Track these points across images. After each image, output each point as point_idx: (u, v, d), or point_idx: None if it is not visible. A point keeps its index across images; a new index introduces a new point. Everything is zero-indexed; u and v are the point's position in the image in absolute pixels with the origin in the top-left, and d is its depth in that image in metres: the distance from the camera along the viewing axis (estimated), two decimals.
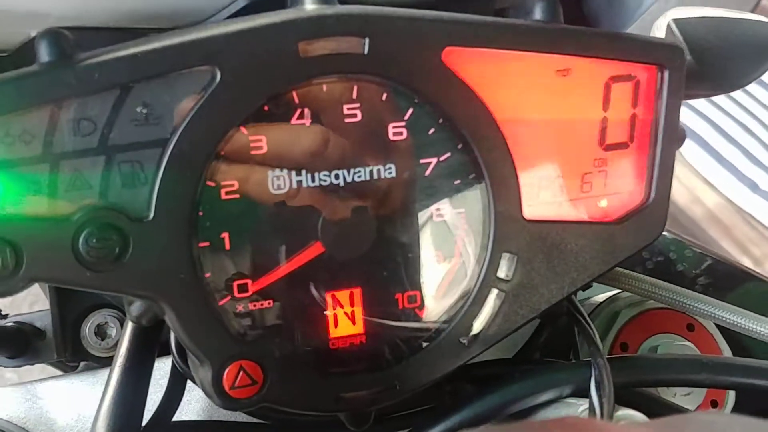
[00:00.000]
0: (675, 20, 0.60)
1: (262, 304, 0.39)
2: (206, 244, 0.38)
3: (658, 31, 0.62)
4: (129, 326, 0.44)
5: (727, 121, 2.36)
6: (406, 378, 0.41)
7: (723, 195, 2.32)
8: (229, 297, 0.39)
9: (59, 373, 0.63)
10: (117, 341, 0.50)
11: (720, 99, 2.41)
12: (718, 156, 2.31)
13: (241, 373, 0.38)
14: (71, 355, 0.51)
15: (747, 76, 0.60)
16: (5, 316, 0.54)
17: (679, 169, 2.39)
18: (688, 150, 2.31)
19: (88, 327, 0.50)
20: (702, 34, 0.58)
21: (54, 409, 0.49)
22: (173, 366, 0.46)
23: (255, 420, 0.48)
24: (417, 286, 0.42)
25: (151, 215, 0.36)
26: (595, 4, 0.57)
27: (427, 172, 0.41)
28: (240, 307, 0.39)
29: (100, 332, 0.50)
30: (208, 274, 0.38)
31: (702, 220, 2.31)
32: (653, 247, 0.95)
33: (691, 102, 2.40)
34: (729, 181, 2.29)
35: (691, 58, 0.56)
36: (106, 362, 0.51)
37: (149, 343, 0.44)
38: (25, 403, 0.50)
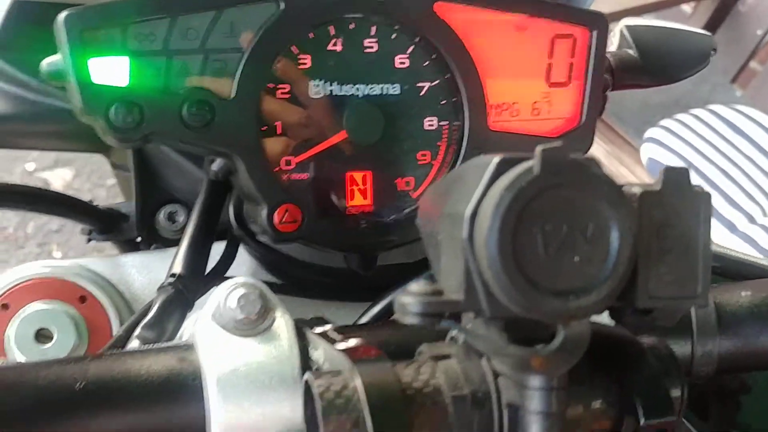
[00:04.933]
0: (627, 26, 0.77)
1: (300, 176, 0.55)
2: (265, 128, 0.54)
3: (614, 37, 0.79)
4: (198, 204, 0.59)
5: (710, 167, 2.50)
6: (400, 234, 0.56)
7: None
8: (278, 167, 0.55)
9: None
10: (183, 226, 0.65)
11: (703, 147, 2.56)
12: None
13: (286, 213, 0.53)
14: (147, 234, 0.66)
15: (680, 74, 0.76)
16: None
17: None
18: None
19: (161, 214, 0.66)
20: (647, 37, 0.74)
21: (134, 273, 0.64)
22: (229, 235, 0.61)
23: (281, 281, 0.64)
24: (411, 173, 0.58)
25: (232, 96, 0.52)
26: None
27: (422, 93, 0.56)
28: (285, 176, 0.55)
29: (171, 218, 0.66)
30: (266, 149, 0.54)
31: None
32: None
33: (678, 150, 2.57)
34: None
35: (636, 55, 0.73)
36: (172, 244, 0.65)
37: (213, 215, 0.59)
38: (113, 268, 0.64)
